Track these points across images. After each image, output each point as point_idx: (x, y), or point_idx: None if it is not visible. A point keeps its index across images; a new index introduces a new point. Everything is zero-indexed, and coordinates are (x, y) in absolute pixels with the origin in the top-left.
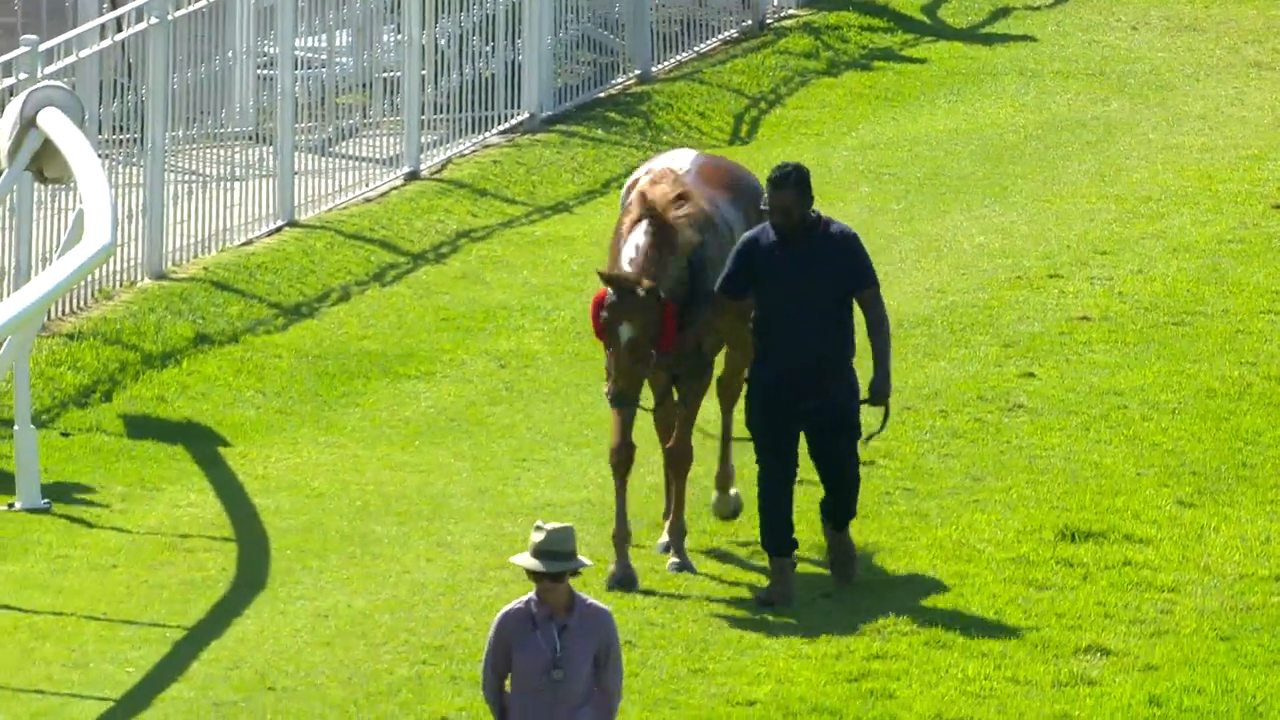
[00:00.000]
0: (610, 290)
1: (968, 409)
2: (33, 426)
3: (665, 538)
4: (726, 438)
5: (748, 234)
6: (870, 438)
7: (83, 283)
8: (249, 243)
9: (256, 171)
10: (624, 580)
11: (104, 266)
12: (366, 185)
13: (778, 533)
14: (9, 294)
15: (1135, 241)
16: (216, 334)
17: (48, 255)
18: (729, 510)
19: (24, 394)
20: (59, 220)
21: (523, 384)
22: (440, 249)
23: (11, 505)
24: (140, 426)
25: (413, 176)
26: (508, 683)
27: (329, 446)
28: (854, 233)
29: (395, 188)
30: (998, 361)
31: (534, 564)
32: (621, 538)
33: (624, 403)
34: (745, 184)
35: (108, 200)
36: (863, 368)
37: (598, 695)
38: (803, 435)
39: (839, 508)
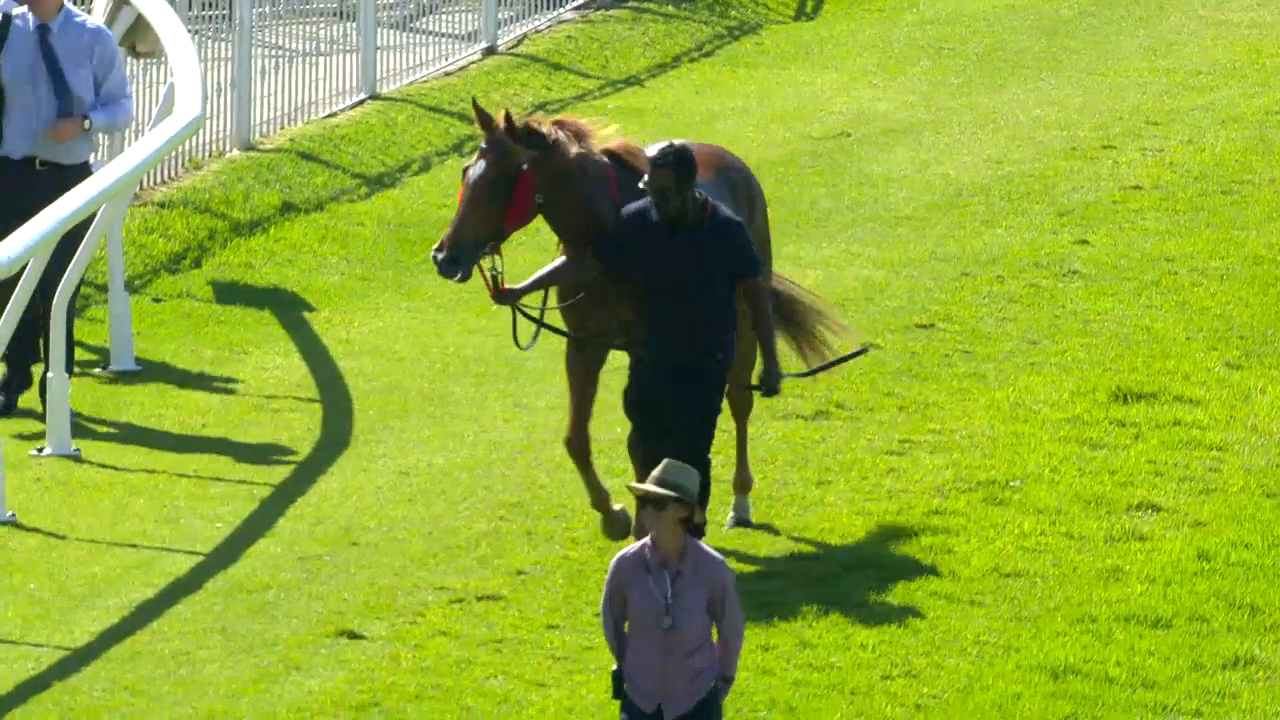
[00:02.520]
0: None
1: (1024, 275)
2: (126, 292)
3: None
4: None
5: (635, 205)
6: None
7: (173, 154)
8: (333, 115)
9: (341, 47)
10: (624, 525)
11: (194, 138)
12: (446, 60)
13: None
14: (104, 165)
15: (1185, 113)
16: (302, 203)
17: (140, 127)
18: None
19: (117, 261)
20: (151, 94)
21: None
22: None
23: (106, 367)
24: (229, 292)
25: (490, 51)
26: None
27: (410, 311)
28: (739, 220)
29: (473, 62)
30: (1053, 229)
31: (647, 487)
32: (602, 500)
33: (447, 268)
34: (727, 164)
35: (197, 74)
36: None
37: (714, 643)
38: None
39: None
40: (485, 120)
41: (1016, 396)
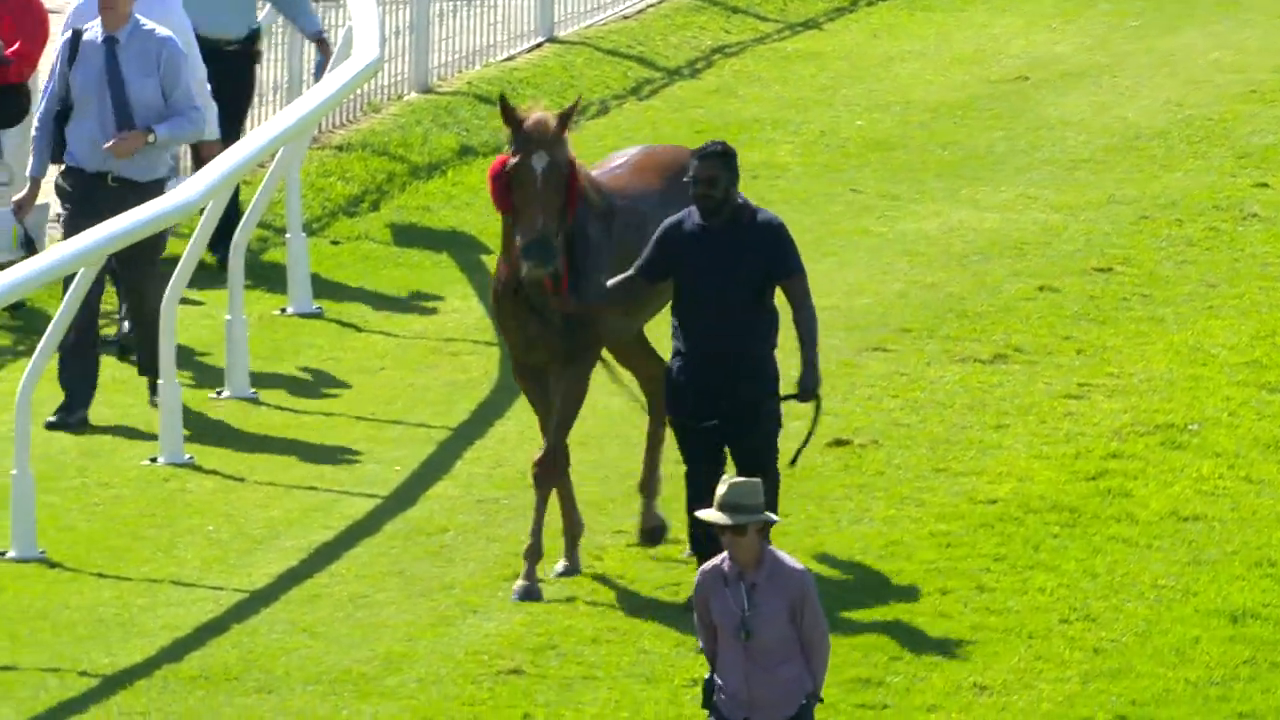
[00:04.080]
0: (520, 131)
1: (1203, 218)
2: (304, 234)
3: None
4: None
5: (671, 218)
6: (796, 458)
7: (352, 97)
8: (511, 58)
9: None
10: (528, 593)
11: (372, 81)
12: (624, 3)
13: (705, 537)
14: (282, 108)
15: None
16: (480, 146)
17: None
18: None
19: (296, 204)
20: (330, 37)
21: (773, 195)
22: (695, 64)
23: (284, 310)
24: (406, 235)
25: None
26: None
27: None
28: (780, 221)
29: (651, 5)
30: (1232, 172)
31: (717, 517)
32: (534, 550)
33: (543, 255)
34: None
35: (375, 17)
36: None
37: (800, 651)
38: None
39: None
40: (512, 115)
41: (1195, 340)
